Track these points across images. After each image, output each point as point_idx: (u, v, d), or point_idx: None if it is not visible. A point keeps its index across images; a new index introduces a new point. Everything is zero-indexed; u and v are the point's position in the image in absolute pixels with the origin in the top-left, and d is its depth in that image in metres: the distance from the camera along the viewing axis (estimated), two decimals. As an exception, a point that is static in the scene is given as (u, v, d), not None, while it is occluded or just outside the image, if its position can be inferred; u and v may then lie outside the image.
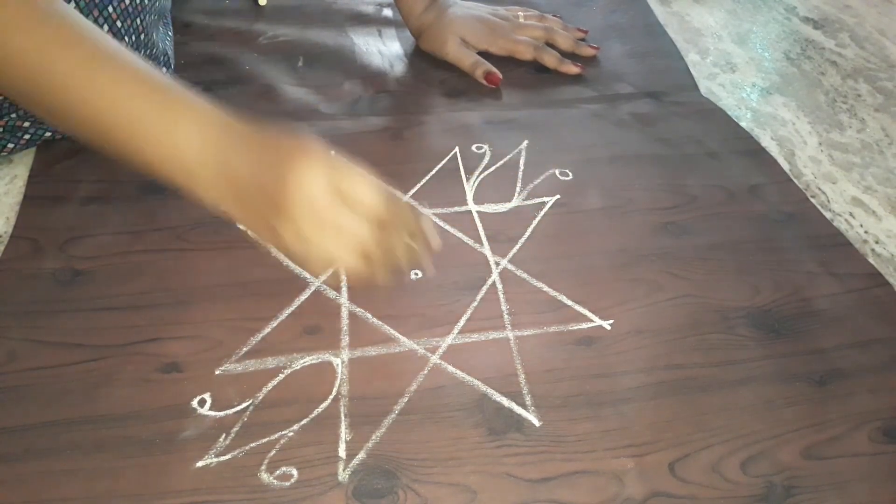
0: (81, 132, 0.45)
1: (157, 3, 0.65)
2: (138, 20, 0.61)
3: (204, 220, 0.56)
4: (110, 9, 0.58)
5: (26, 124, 0.60)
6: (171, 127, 0.43)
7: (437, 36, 0.78)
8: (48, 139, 0.62)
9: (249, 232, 0.46)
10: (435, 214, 0.59)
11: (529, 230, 0.58)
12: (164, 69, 0.67)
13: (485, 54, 0.78)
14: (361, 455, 0.42)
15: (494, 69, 0.75)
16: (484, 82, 0.75)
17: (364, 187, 0.43)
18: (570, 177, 0.64)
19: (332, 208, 0.42)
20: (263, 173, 0.43)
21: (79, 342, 0.47)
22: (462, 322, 0.51)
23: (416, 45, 0.81)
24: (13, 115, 0.60)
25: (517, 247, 0.57)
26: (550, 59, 0.78)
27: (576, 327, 0.51)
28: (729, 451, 0.44)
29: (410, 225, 0.45)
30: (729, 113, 0.74)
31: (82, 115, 0.43)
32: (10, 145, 0.60)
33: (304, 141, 0.43)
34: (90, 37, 0.44)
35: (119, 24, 0.59)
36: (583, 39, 0.83)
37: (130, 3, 0.60)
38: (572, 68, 0.78)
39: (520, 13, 0.82)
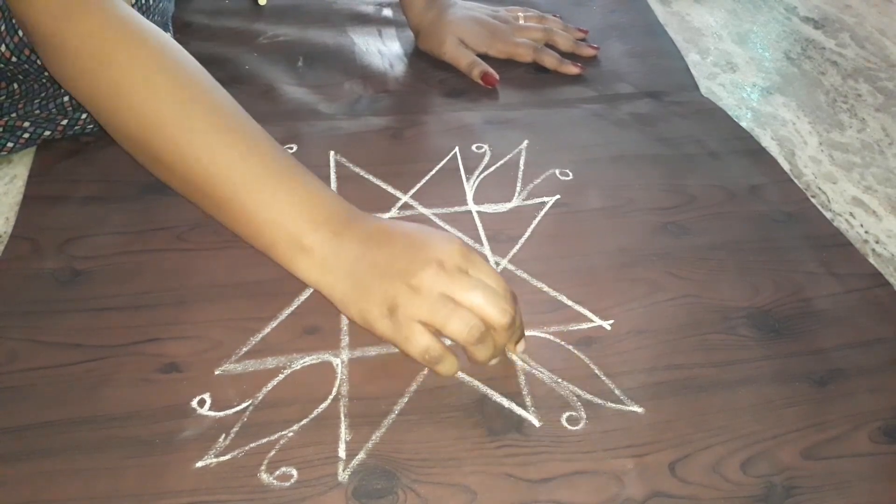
0: (196, 198, 0.49)
1: (160, 5, 0.65)
2: None
3: (204, 221, 0.56)
4: None
5: (26, 124, 0.60)
6: (286, 200, 0.47)
7: (436, 35, 0.78)
8: (47, 138, 0.62)
9: (352, 318, 0.47)
10: (435, 214, 0.59)
11: (529, 230, 0.58)
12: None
13: (484, 56, 0.78)
14: (361, 455, 0.42)
15: (491, 70, 0.75)
16: (480, 83, 0.75)
17: (495, 275, 0.46)
18: (571, 177, 0.64)
19: (462, 276, 0.44)
20: (392, 245, 0.46)
21: (79, 342, 0.47)
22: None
23: (415, 45, 0.81)
24: (13, 115, 0.60)
25: (517, 247, 0.57)
26: (550, 61, 0.78)
27: (576, 327, 0.51)
28: (729, 451, 0.44)
29: (518, 328, 0.47)
30: (729, 113, 0.74)
31: (209, 191, 0.47)
32: (10, 144, 0.60)
33: (438, 231, 0.48)
34: (232, 122, 0.48)
35: None
36: (583, 39, 0.83)
37: (135, 4, 0.60)
38: (572, 69, 0.78)
39: (519, 14, 0.82)
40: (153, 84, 0.47)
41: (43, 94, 0.61)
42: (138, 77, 0.47)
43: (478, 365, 0.46)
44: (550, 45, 0.80)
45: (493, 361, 0.47)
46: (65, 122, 0.62)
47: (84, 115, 0.62)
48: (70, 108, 0.62)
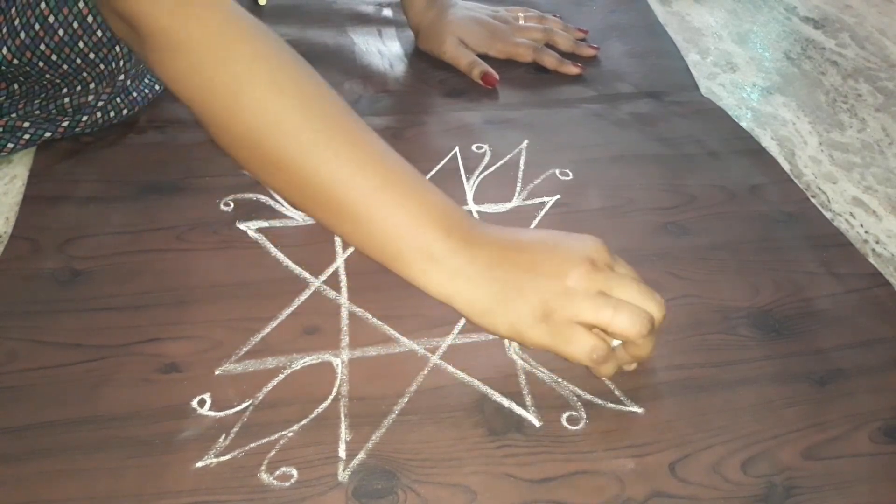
0: (312, 207, 0.46)
1: None
2: None
3: (204, 220, 0.56)
4: None
5: (26, 124, 0.60)
6: (415, 210, 0.44)
7: (436, 35, 0.78)
8: (48, 139, 0.62)
9: (496, 332, 0.44)
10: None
11: (530, 230, 0.58)
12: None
13: (484, 56, 0.78)
14: (361, 455, 0.42)
15: (491, 70, 0.75)
16: (480, 83, 0.75)
17: (640, 282, 0.44)
18: (571, 177, 0.64)
19: (615, 275, 0.44)
20: (532, 251, 0.44)
21: (78, 342, 0.47)
22: (462, 322, 0.51)
23: (415, 45, 0.81)
24: (13, 115, 0.60)
25: (517, 247, 0.57)
26: (550, 61, 0.78)
27: (576, 327, 0.51)
28: (729, 451, 0.44)
29: (654, 336, 0.45)
30: (729, 113, 0.74)
31: (329, 201, 0.44)
32: (10, 145, 0.60)
33: (569, 233, 0.46)
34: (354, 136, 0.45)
35: None
36: (583, 40, 0.83)
37: None
38: (572, 69, 0.78)
39: (520, 14, 0.82)
40: (278, 83, 0.44)
41: (43, 95, 0.61)
42: (262, 75, 0.44)
43: (638, 362, 0.46)
44: (551, 46, 0.80)
45: (633, 366, 0.47)
46: (66, 123, 0.61)
47: (85, 118, 0.62)
48: (70, 110, 0.62)
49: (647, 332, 0.42)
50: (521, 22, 0.81)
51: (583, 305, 0.42)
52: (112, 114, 0.64)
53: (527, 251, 0.44)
